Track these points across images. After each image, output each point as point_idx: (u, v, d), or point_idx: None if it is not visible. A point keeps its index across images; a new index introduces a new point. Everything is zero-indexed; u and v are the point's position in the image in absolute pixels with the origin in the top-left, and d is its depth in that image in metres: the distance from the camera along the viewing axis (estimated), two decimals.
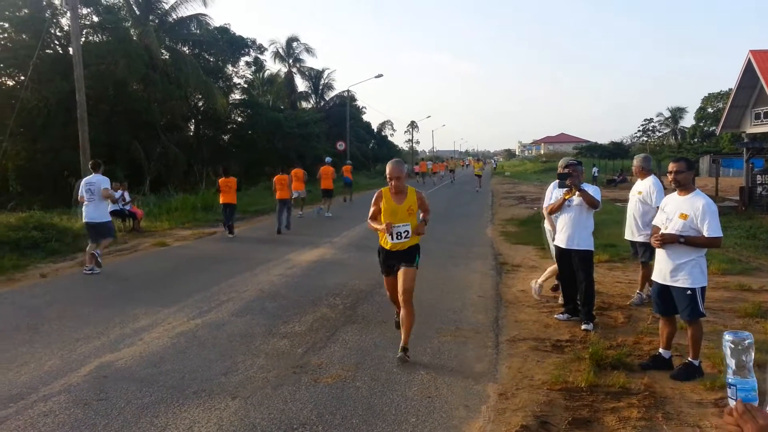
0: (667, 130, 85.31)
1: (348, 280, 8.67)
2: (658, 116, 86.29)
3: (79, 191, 9.76)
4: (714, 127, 73.16)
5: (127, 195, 14.92)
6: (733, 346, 1.57)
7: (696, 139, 72.39)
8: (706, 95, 73.23)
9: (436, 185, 40.01)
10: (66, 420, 4.03)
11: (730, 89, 28.13)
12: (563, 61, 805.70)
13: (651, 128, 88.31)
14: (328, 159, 21.29)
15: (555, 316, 6.58)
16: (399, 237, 5.16)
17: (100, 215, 9.51)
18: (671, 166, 4.76)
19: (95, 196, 9.42)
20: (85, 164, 14.42)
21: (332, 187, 19.45)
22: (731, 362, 1.58)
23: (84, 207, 9.54)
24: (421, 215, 5.49)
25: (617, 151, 62.33)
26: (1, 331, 6.15)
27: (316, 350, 5.47)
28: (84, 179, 9.87)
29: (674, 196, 4.82)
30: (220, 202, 14.06)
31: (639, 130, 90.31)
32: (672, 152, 61.56)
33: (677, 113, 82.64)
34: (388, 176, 5.20)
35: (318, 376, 4.82)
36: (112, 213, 14.48)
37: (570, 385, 4.55)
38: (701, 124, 74.44)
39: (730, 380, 1.58)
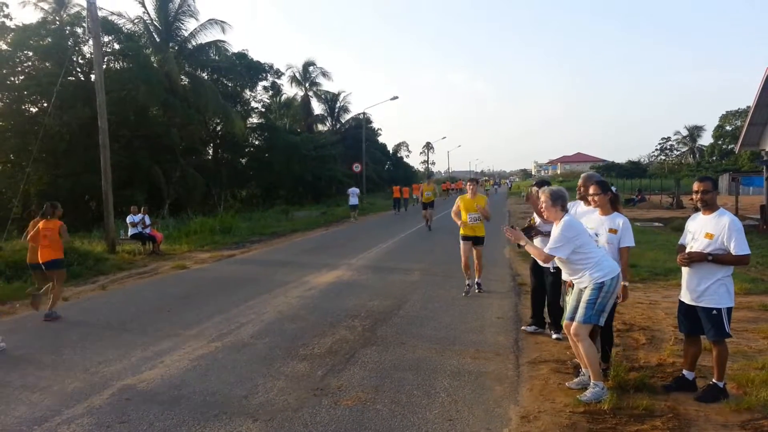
0: (685, 149, 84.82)
1: (366, 301, 8.68)
2: (675, 135, 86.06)
3: (350, 192, 27.34)
4: (733, 145, 72.71)
5: (147, 218, 15.09)
6: None
7: (714, 158, 71.91)
8: (724, 113, 72.96)
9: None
10: None
11: (749, 107, 27.89)
12: (579, 80, 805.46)
13: (669, 147, 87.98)
14: (431, 177, 39.91)
15: (522, 328, 6.97)
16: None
17: (356, 201, 26.98)
18: (697, 186, 4.69)
19: (355, 195, 27.01)
20: (106, 188, 14.64)
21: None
22: None
23: (350, 199, 26.94)
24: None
25: (635, 170, 62.09)
26: (25, 354, 6.24)
27: (336, 372, 5.46)
28: (351, 188, 27.83)
29: (699, 216, 4.79)
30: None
31: (657, 149, 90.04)
32: (691, 171, 61.08)
33: (695, 131, 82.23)
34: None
35: (338, 398, 4.81)
36: (133, 236, 14.70)
37: (593, 407, 4.50)
38: (720, 142, 74.01)
39: None
